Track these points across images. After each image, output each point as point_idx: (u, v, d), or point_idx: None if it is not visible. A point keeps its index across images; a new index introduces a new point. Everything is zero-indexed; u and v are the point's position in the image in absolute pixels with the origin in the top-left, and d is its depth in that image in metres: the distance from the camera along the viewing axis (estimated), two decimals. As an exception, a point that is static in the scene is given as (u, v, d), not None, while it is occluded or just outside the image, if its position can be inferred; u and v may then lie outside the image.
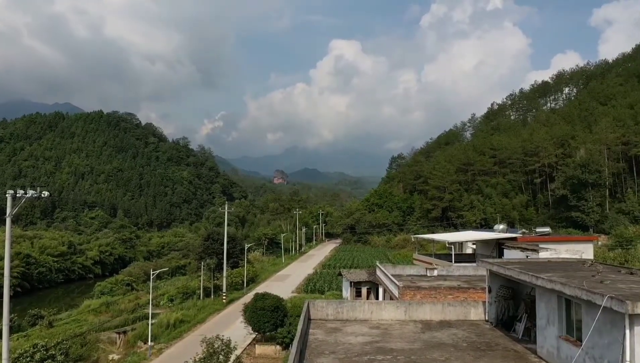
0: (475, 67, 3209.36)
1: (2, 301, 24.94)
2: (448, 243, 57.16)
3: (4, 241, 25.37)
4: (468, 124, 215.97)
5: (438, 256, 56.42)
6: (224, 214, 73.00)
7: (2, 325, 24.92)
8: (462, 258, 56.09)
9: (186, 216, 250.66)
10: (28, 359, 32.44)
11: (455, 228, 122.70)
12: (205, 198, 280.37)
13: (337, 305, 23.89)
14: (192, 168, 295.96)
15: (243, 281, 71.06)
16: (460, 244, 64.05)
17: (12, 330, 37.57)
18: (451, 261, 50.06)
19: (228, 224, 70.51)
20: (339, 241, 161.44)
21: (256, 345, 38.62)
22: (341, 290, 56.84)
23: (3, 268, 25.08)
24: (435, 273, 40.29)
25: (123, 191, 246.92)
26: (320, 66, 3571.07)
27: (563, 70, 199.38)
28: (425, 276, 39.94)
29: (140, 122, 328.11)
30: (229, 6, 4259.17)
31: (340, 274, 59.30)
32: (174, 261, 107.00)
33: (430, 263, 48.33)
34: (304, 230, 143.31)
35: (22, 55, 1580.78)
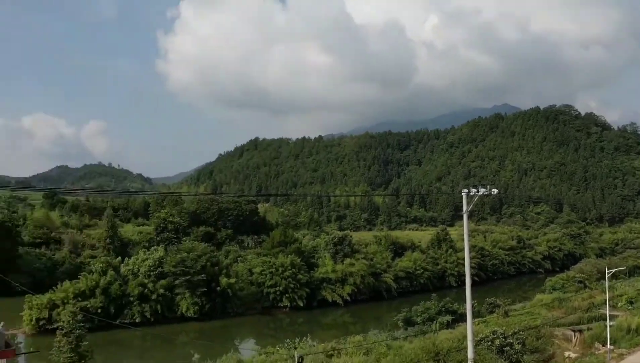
0: None
1: (464, 288, 28.23)
2: None
3: (462, 235, 28.67)
4: None
5: None
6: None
7: (466, 309, 28.15)
8: None
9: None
10: (489, 343, 35.60)
11: None
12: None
13: None
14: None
15: None
16: None
17: (473, 315, 41.80)
18: None
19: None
20: None
21: None
22: None
23: (464, 259, 28.43)
24: None
25: (567, 186, 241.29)
26: None
27: None
28: None
29: (579, 113, 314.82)
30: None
31: None
32: (630, 259, 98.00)
33: None
34: None
35: (460, 67, 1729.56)
